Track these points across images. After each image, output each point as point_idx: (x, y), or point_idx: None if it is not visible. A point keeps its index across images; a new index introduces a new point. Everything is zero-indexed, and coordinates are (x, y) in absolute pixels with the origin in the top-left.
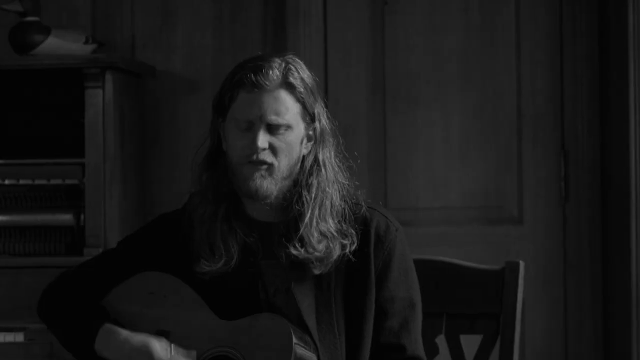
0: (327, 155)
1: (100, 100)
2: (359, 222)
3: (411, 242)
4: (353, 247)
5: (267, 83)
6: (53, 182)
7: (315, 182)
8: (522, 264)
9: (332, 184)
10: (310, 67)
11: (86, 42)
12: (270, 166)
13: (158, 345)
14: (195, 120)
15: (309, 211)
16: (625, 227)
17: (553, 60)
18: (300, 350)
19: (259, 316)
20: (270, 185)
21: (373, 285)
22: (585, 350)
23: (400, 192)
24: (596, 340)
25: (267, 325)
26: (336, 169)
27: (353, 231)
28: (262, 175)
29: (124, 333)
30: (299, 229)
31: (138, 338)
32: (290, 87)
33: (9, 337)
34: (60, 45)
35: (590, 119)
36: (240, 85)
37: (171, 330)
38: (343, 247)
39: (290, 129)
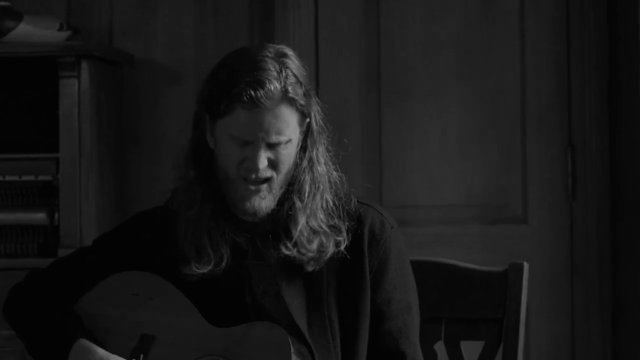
0: (320, 150)
1: (75, 91)
2: (352, 219)
3: (408, 243)
4: (345, 245)
5: (268, 102)
6: (25, 178)
7: (307, 178)
8: (526, 265)
9: (324, 178)
10: (299, 57)
11: (60, 29)
12: (269, 183)
13: None
14: (176, 113)
15: (300, 208)
16: (636, 227)
17: (559, 51)
18: None
19: (254, 324)
20: (269, 204)
21: (368, 286)
22: (593, 358)
23: (396, 190)
24: (605, 347)
25: (263, 334)
26: (328, 163)
27: (345, 228)
28: (261, 197)
29: (100, 353)
30: (289, 227)
31: None
32: (290, 101)
33: None
34: (33, 32)
35: (598, 113)
36: (236, 99)
37: (157, 335)
38: (337, 243)
39: (290, 142)
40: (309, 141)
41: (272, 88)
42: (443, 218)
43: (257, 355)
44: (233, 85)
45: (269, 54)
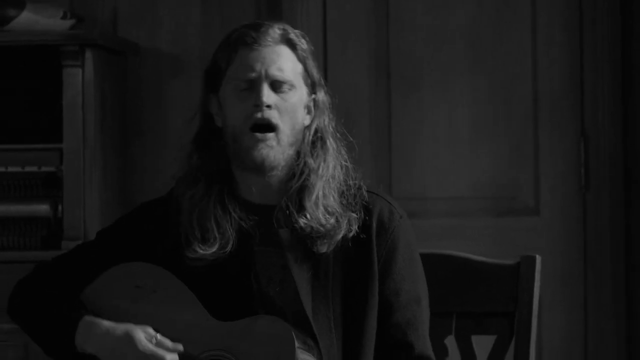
0: (329, 128)
1: (79, 81)
2: (361, 208)
3: (418, 235)
4: (353, 232)
5: (268, 38)
6: (28, 169)
7: (320, 152)
8: (538, 258)
9: (335, 159)
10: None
11: (64, 17)
12: (276, 133)
13: (142, 335)
14: (181, 103)
15: (315, 182)
16: None
17: (572, 40)
18: (302, 355)
19: (257, 318)
20: (277, 154)
21: (376, 277)
22: (606, 353)
23: (406, 181)
24: (618, 342)
25: (266, 329)
26: (338, 143)
27: (354, 214)
28: (269, 145)
29: (106, 324)
30: (303, 201)
31: (121, 328)
32: (291, 45)
33: None
34: (36, 20)
35: (611, 103)
36: (238, 43)
37: (160, 329)
38: (349, 224)
39: (293, 88)
40: (318, 116)
41: (271, 30)
42: (453, 210)
43: (261, 351)
44: (232, 35)
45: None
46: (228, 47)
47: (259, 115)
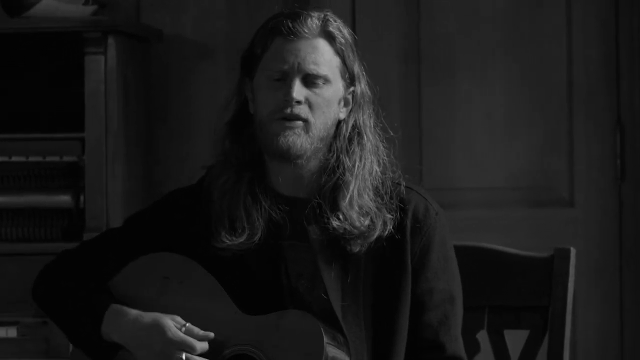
0: (367, 123)
1: (101, 68)
2: (396, 205)
3: (449, 227)
4: (389, 230)
5: (305, 30)
6: (49, 159)
7: (357, 149)
8: (573, 250)
9: (373, 155)
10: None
11: (86, 3)
12: (305, 123)
13: (171, 324)
14: (207, 90)
15: (350, 181)
16: None
17: (608, 27)
18: (332, 351)
19: (286, 313)
20: (305, 143)
21: (409, 276)
22: None
23: (437, 171)
24: None
25: (295, 324)
26: (377, 139)
27: (390, 212)
28: (295, 133)
29: (134, 312)
30: (337, 201)
31: (149, 316)
32: (330, 37)
33: (0, 333)
34: (57, 6)
35: None
36: (275, 32)
37: (188, 321)
38: (384, 224)
39: (328, 82)
40: (356, 110)
41: (310, 21)
42: (486, 201)
43: (289, 346)
44: (270, 22)
45: (312, 9)
46: (265, 34)
47: (288, 110)
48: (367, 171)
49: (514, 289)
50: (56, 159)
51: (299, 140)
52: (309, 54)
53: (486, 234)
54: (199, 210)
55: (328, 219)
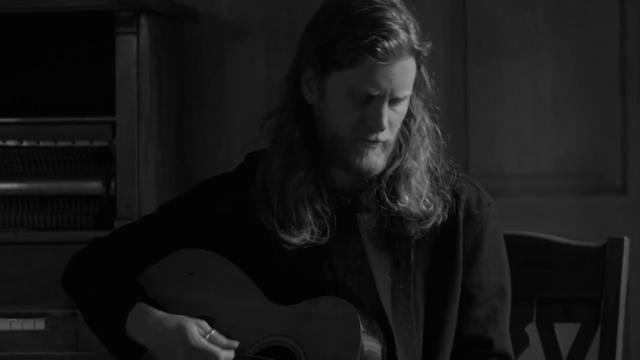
0: (427, 112)
1: (133, 49)
2: (450, 194)
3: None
4: (442, 218)
5: (399, 52)
6: (79, 144)
7: (417, 137)
8: (627, 240)
9: (431, 141)
10: None
11: None
12: (385, 142)
13: (196, 329)
14: (243, 72)
15: (411, 167)
16: None
17: None
18: (367, 341)
19: (319, 300)
20: (382, 163)
21: (460, 267)
22: None
23: (484, 157)
24: None
25: (330, 310)
26: (436, 127)
27: (445, 201)
28: (377, 154)
29: (159, 314)
30: (397, 188)
31: (174, 320)
32: (416, 54)
33: (27, 325)
34: None
35: None
36: (369, 51)
37: (216, 317)
38: (441, 211)
39: (407, 98)
40: (420, 98)
41: (402, 39)
42: (534, 188)
43: (325, 333)
44: (360, 33)
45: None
46: (357, 47)
47: (373, 137)
48: (426, 158)
49: (564, 280)
50: (86, 143)
51: (380, 160)
52: (400, 79)
53: (534, 223)
54: (243, 202)
55: (387, 203)
